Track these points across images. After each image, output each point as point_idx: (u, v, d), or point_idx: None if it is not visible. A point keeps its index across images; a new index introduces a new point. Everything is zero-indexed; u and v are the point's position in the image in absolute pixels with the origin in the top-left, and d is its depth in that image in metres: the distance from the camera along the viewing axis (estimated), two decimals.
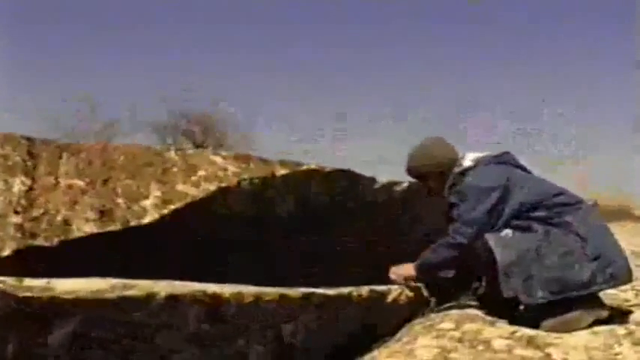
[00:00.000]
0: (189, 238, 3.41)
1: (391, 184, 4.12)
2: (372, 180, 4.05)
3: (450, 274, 2.93)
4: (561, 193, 2.78)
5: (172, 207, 3.31)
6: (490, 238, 2.65)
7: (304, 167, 3.74)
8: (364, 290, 2.70)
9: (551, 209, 2.70)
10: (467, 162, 2.91)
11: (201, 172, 3.49)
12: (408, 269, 2.97)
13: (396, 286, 3.00)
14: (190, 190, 3.40)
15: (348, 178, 3.93)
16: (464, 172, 2.87)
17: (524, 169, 2.93)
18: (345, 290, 2.62)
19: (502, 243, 2.64)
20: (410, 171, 3.07)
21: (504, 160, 2.91)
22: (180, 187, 3.40)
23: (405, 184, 4.10)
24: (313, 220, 3.97)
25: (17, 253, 3.06)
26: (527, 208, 2.71)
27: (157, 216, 3.28)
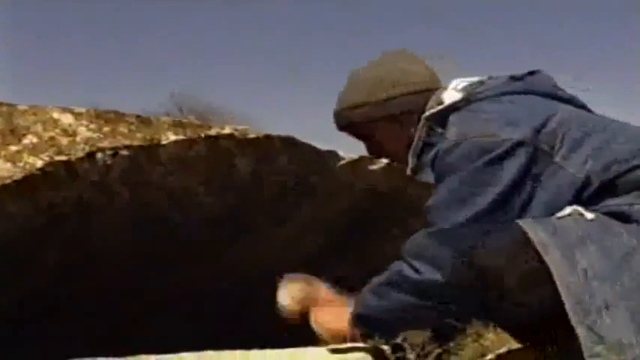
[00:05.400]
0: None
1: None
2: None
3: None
4: None
5: None
6: (533, 227, 1.16)
7: (213, 131, 2.33)
8: None
9: None
10: (450, 94, 1.42)
11: (29, 139, 2.10)
12: (337, 321, 1.39)
13: None
14: (2, 168, 2.03)
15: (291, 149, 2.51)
16: (445, 115, 1.39)
17: (579, 104, 1.46)
18: None
19: (562, 233, 1.14)
20: (338, 120, 1.58)
21: (533, 86, 1.42)
22: None
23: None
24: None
25: None
26: (601, 187, 1.24)
27: None
